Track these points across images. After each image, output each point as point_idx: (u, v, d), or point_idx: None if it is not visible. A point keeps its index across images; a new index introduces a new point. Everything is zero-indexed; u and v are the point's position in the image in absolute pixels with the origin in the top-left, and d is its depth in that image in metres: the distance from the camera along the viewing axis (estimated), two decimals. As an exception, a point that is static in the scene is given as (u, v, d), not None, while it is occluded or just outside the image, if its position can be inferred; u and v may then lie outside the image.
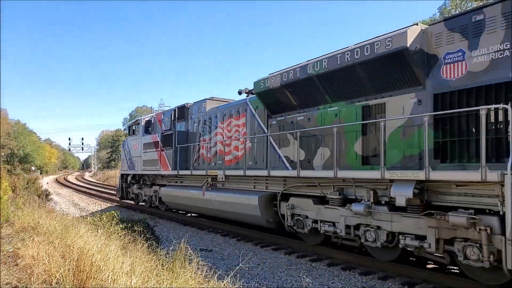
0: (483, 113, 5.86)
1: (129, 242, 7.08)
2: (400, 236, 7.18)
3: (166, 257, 5.75)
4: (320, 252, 9.19)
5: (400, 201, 6.93)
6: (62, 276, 4.41)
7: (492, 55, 6.32)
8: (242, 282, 5.84)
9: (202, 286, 4.82)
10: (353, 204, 7.98)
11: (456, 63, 6.82)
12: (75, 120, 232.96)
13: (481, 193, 6.17)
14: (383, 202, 7.64)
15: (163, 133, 16.57)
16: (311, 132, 9.49)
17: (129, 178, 19.92)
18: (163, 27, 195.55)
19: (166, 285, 4.46)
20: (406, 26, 7.46)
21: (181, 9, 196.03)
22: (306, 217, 9.31)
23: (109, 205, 21.84)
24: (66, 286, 4.19)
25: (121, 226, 8.88)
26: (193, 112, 15.53)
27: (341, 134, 8.65)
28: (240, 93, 12.87)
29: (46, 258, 5.16)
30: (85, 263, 4.33)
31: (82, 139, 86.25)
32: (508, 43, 6.13)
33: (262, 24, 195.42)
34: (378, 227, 7.64)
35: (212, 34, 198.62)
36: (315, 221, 9.06)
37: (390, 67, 7.58)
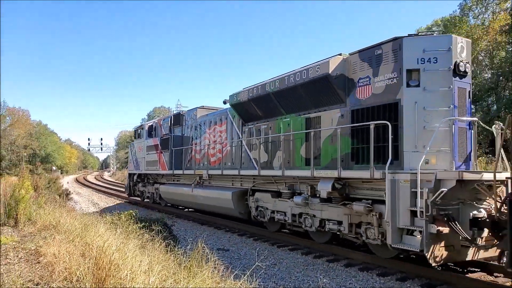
0: (371, 127, 7.70)
1: (147, 241, 7.16)
2: (327, 222, 9.05)
3: (183, 256, 5.79)
4: (337, 252, 9.15)
5: (323, 194, 8.87)
6: (82, 274, 4.49)
7: (387, 81, 8.25)
8: (259, 282, 5.85)
9: (219, 285, 4.85)
10: (294, 197, 9.90)
11: (365, 86, 8.73)
12: (94, 120, 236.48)
13: (377, 188, 7.92)
14: (317, 195, 9.24)
15: (162, 137, 18.82)
16: (271, 138, 11.58)
17: (135, 177, 22.12)
18: (183, 26, 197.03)
19: (183, 284, 4.50)
20: (331, 56, 9.33)
21: (202, 8, 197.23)
22: (266, 208, 11.24)
23: (126, 204, 22.11)
24: (86, 284, 4.27)
25: (139, 225, 8.99)
26: (187, 119, 17.69)
27: (292, 140, 10.70)
28: (225, 102, 13.92)
29: (67, 256, 5.26)
30: (104, 261, 4.40)
31: (101, 139, 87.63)
32: (396, 73, 8.02)
33: (283, 19, 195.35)
34: (314, 215, 9.45)
35: (231, 30, 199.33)
36: (273, 212, 10.97)
37: (320, 88, 9.52)
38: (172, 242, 8.19)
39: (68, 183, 42.34)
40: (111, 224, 8.80)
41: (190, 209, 17.70)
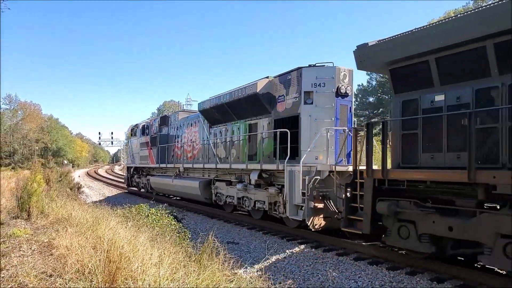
0: (277, 134, 10.93)
1: (158, 234, 7.22)
2: (257, 202, 12.20)
3: (193, 249, 5.84)
4: (347, 246, 9.16)
5: (253, 182, 12.06)
6: (94, 266, 4.55)
7: (293, 99, 11.20)
8: (268, 275, 5.88)
9: (228, 278, 4.89)
10: (237, 184, 13.02)
11: (282, 102, 11.70)
12: (105, 115, 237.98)
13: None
14: (251, 183, 12.22)
15: (152, 135, 22.45)
16: (227, 139, 14.74)
17: (132, 170, 25.95)
18: (192, 22, 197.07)
19: (193, 277, 4.54)
20: (261, 78, 12.34)
21: (211, 3, 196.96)
22: (222, 194, 14.46)
23: (136, 197, 22.29)
24: (98, 276, 4.33)
25: (149, 218, 9.07)
26: (171, 120, 21.11)
27: (240, 141, 13.97)
28: None
29: (79, 249, 5.33)
30: (115, 254, 4.45)
31: (112, 133, 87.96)
32: (298, 93, 10.94)
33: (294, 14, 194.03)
34: (250, 198, 12.55)
35: (243, 25, 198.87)
36: (227, 196, 14.13)
37: (254, 102, 12.56)
38: (182, 235, 8.25)
39: (79, 176, 42.70)
40: (122, 218, 8.88)
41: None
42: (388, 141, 7.98)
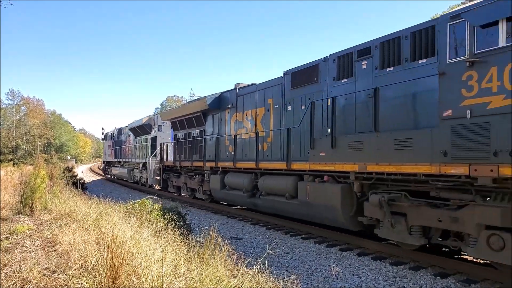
0: (149, 144, 25.25)
1: (161, 230, 7.21)
2: (141, 178, 25.77)
3: (196, 245, 5.83)
4: (350, 241, 9.14)
5: (140, 166, 25.67)
6: (97, 262, 4.54)
7: (155, 129, 25.08)
8: (272, 270, 5.86)
9: (231, 273, 4.87)
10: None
11: (153, 129, 25.52)
12: (107, 111, 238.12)
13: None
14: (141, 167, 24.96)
15: (113, 140, 36.25)
16: (136, 146, 26.60)
17: (105, 163, 40.67)
18: (194, 14, 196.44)
19: (197, 272, 4.52)
20: (146, 116, 26.40)
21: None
22: (135, 175, 27.26)
23: (139, 193, 22.35)
24: (101, 272, 4.32)
25: (153, 214, 9.05)
26: (123, 132, 33.53)
27: (141, 146, 26.02)
28: None
29: (82, 245, 5.33)
30: (118, 249, 4.44)
31: (115, 128, 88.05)
32: (156, 127, 24.58)
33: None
34: (141, 176, 25.49)
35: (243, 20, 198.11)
36: (138, 176, 26.88)
37: (143, 128, 25.48)
38: (185, 230, 8.24)
39: (82, 172, 42.86)
40: (125, 213, 8.88)
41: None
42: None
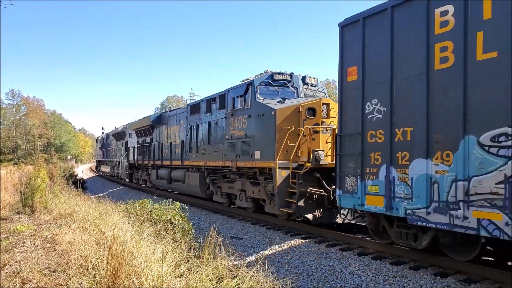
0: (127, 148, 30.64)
1: (161, 230, 7.22)
2: (119, 174, 32.28)
3: (197, 244, 5.84)
4: (351, 241, 9.14)
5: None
6: (97, 261, 4.55)
7: (127, 135, 30.53)
8: (272, 270, 5.87)
9: (232, 273, 4.88)
10: (118, 167, 30.13)
11: (128, 136, 30.11)
12: (107, 111, 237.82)
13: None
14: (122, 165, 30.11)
15: (103, 143, 41.84)
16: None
17: (97, 162, 48.05)
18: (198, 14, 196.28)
19: (196, 272, 4.53)
20: (123, 125, 33.90)
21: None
22: (119, 172, 31.92)
23: (140, 193, 22.37)
24: (102, 271, 4.32)
25: (153, 213, 9.07)
26: (109, 136, 38.27)
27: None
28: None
29: (82, 244, 5.33)
30: (118, 249, 4.45)
31: (115, 128, 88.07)
32: (129, 135, 29.29)
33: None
34: (119, 172, 31.89)
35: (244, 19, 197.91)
36: (117, 172, 33.29)
37: (120, 135, 32.36)
38: (186, 230, 8.25)
39: (82, 172, 42.94)
40: (126, 213, 8.89)
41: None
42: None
